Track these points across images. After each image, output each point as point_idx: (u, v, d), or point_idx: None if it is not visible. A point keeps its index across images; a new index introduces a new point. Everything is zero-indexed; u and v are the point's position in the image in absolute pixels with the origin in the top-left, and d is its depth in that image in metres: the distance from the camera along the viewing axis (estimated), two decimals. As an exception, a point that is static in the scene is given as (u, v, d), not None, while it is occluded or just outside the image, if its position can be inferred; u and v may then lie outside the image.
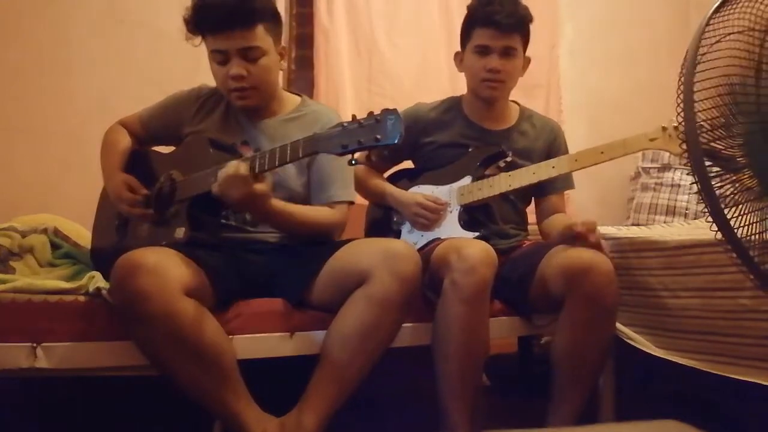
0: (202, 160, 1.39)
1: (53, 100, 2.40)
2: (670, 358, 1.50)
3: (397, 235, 1.83)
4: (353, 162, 1.20)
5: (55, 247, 1.65)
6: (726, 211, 1.01)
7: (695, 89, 1.01)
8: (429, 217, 1.75)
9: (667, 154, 2.78)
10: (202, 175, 1.37)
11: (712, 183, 1.00)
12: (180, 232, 1.38)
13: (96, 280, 1.30)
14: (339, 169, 1.57)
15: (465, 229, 1.70)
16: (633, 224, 2.85)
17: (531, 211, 1.93)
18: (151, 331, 1.18)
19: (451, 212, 1.75)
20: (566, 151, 1.86)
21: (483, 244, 1.47)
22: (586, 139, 1.71)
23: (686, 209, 2.80)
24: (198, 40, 1.53)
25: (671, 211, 2.84)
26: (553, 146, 1.86)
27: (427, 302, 1.50)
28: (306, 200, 1.58)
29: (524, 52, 1.78)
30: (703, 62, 1.02)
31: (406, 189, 1.85)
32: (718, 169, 1.04)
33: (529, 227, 1.91)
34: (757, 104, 1.03)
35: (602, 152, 1.60)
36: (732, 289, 1.35)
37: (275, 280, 1.48)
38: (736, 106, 1.06)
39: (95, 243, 1.64)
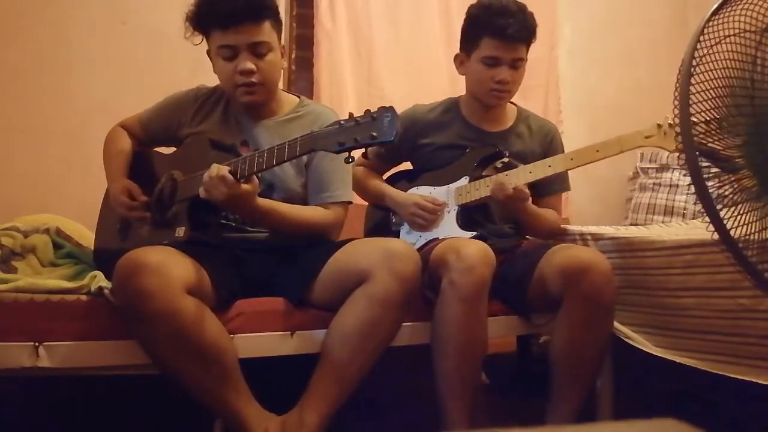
0: (203, 161, 1.40)
1: (53, 100, 2.40)
2: (668, 357, 1.51)
3: (396, 235, 1.83)
4: (350, 160, 1.21)
5: (57, 246, 1.65)
6: (724, 211, 1.02)
7: (693, 90, 1.02)
8: (426, 217, 1.75)
9: (666, 154, 2.81)
10: (201, 176, 1.38)
11: (708, 181, 1.01)
12: (181, 232, 1.38)
13: (98, 280, 1.31)
14: (337, 169, 1.58)
15: (463, 229, 1.71)
16: (631, 224, 2.86)
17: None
18: (153, 329, 1.19)
19: (449, 212, 1.76)
20: (562, 152, 1.86)
21: (481, 244, 1.48)
22: (585, 140, 1.71)
23: (684, 209, 2.80)
24: (198, 38, 1.53)
25: (669, 211, 2.84)
26: (550, 148, 1.86)
27: (426, 302, 1.50)
28: (305, 200, 1.58)
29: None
30: (702, 63, 1.03)
31: (405, 190, 1.86)
32: (716, 169, 1.05)
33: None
34: (752, 106, 1.04)
35: (598, 150, 1.61)
36: (730, 289, 1.35)
37: (276, 279, 1.49)
38: (736, 107, 1.06)
39: (98, 243, 1.65)
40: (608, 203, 3.18)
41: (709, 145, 1.06)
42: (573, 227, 1.88)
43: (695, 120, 1.02)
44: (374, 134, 1.15)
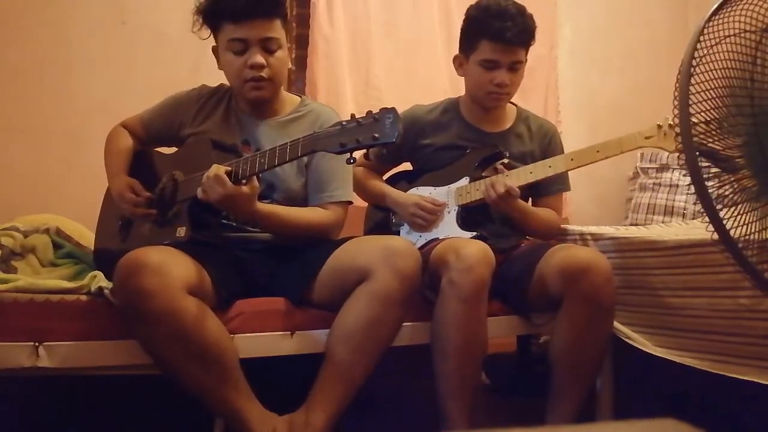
0: (204, 161, 1.40)
1: (53, 100, 2.40)
2: (668, 357, 1.51)
3: (396, 235, 1.83)
4: (352, 161, 1.21)
5: (57, 246, 1.65)
6: (724, 211, 1.02)
7: (693, 91, 1.02)
8: (426, 217, 1.76)
9: (666, 154, 2.81)
10: (201, 176, 1.38)
11: (707, 181, 1.01)
12: (181, 232, 1.39)
13: (98, 280, 1.31)
14: (337, 169, 1.58)
15: (463, 229, 1.71)
16: (631, 224, 2.86)
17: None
18: (154, 329, 1.19)
19: (449, 213, 1.76)
20: (562, 152, 1.86)
21: (481, 244, 1.48)
22: (585, 140, 1.72)
23: (684, 209, 2.80)
24: (205, 33, 1.53)
25: (669, 212, 2.84)
26: (549, 148, 1.86)
27: (425, 301, 1.51)
28: (306, 200, 1.59)
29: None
30: (702, 63, 1.03)
31: (405, 191, 1.86)
32: (716, 169, 1.05)
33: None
34: (751, 106, 1.04)
35: (598, 151, 1.61)
36: (731, 289, 1.35)
37: (276, 279, 1.49)
38: (736, 107, 1.07)
39: (98, 244, 1.65)
40: (608, 203, 3.18)
41: (709, 145, 1.06)
42: (573, 227, 1.88)
43: (695, 120, 1.02)
44: (376, 135, 1.16)
